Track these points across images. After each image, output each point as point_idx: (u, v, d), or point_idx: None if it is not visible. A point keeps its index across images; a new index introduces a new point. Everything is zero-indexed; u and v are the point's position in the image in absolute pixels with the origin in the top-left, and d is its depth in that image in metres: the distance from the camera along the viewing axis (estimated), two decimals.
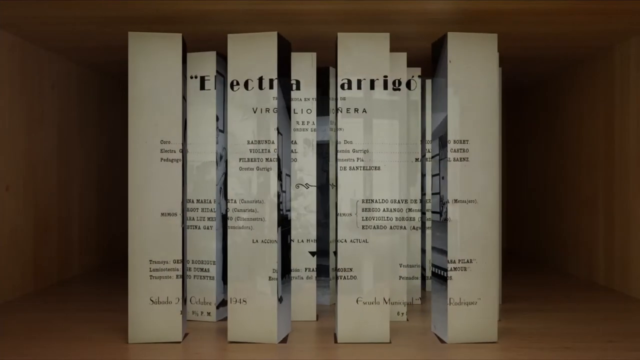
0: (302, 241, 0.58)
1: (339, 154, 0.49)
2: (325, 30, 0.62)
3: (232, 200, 0.49)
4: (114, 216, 0.93)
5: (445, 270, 0.49)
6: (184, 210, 0.50)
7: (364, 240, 0.49)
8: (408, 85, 0.60)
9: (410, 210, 0.63)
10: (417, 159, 0.63)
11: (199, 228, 0.56)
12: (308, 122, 0.58)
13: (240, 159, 0.50)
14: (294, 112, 0.58)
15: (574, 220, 0.83)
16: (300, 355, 0.46)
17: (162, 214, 0.49)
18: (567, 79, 0.85)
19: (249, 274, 0.49)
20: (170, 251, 0.49)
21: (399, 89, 0.56)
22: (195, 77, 0.56)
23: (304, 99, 0.58)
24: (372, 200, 0.50)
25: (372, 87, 0.50)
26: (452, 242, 0.49)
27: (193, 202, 0.56)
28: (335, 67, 0.50)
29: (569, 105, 0.85)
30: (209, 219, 0.56)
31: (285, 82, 0.51)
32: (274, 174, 0.49)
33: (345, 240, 0.49)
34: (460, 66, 0.49)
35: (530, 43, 0.68)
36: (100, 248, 0.89)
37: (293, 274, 0.58)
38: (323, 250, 0.62)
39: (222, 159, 0.57)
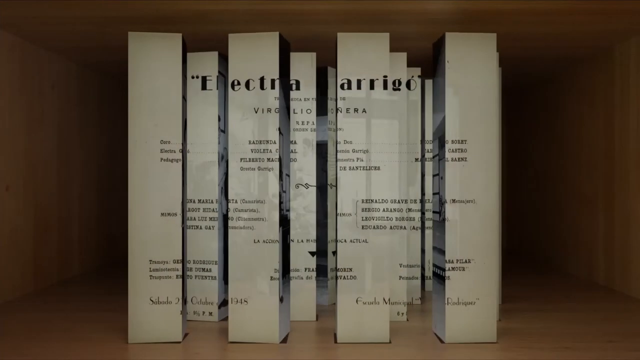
0: (302, 241, 0.58)
1: (338, 154, 0.50)
2: (325, 30, 0.62)
3: (232, 200, 0.50)
4: (114, 216, 0.93)
5: (444, 270, 0.49)
6: (184, 210, 0.50)
7: (363, 240, 0.49)
8: (408, 85, 0.60)
9: (410, 210, 0.63)
10: (417, 159, 0.63)
11: (201, 228, 0.56)
12: (308, 122, 0.58)
13: (241, 159, 0.50)
14: (294, 112, 0.58)
15: (574, 220, 0.83)
16: (300, 355, 0.46)
17: (162, 214, 0.49)
18: (567, 79, 0.85)
19: (250, 274, 0.49)
20: (170, 251, 0.49)
21: (399, 89, 0.56)
22: (197, 77, 0.56)
23: (304, 99, 0.58)
24: (372, 200, 0.50)
25: (372, 87, 0.50)
26: (450, 242, 0.49)
27: (194, 202, 0.56)
28: (335, 67, 0.50)
29: (569, 105, 0.85)
30: (210, 219, 0.56)
31: (285, 83, 0.51)
32: (275, 174, 0.49)
33: (345, 240, 0.49)
34: (459, 66, 0.49)
35: (530, 43, 0.68)
36: (100, 248, 0.89)
37: (293, 274, 0.58)
38: (322, 250, 0.62)
39: (223, 159, 0.57)
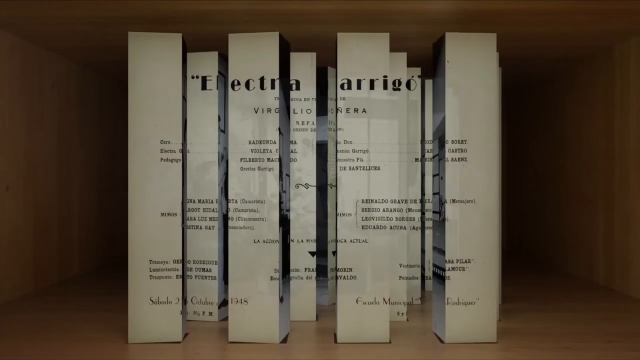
0: (302, 241, 0.58)
1: (338, 154, 0.50)
2: (325, 30, 0.62)
3: (232, 200, 0.49)
4: (114, 216, 0.93)
5: (444, 270, 0.49)
6: (184, 210, 0.50)
7: (363, 240, 0.49)
8: (408, 85, 0.60)
9: (410, 210, 0.63)
10: (417, 159, 0.63)
11: (201, 228, 0.56)
12: (307, 122, 0.58)
13: (241, 159, 0.50)
14: (294, 112, 0.58)
15: (574, 220, 0.83)
16: (300, 355, 0.46)
17: (162, 214, 0.49)
18: (567, 79, 0.85)
19: (250, 274, 0.49)
20: (170, 251, 0.49)
21: (399, 89, 0.56)
22: (197, 77, 0.56)
23: (304, 99, 0.58)
24: (372, 200, 0.50)
25: (372, 87, 0.50)
26: (450, 242, 0.49)
27: (194, 202, 0.56)
28: (334, 67, 0.50)
29: (569, 105, 0.85)
30: (210, 219, 0.56)
31: (285, 83, 0.51)
32: (275, 174, 0.49)
33: (345, 240, 0.49)
34: (459, 66, 0.49)
35: (530, 43, 0.68)
36: (100, 248, 0.89)
37: (293, 274, 0.58)
38: (321, 250, 0.62)
39: (223, 159, 0.57)
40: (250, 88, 0.50)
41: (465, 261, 0.49)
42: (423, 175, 0.67)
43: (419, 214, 0.64)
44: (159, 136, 0.49)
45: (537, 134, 0.98)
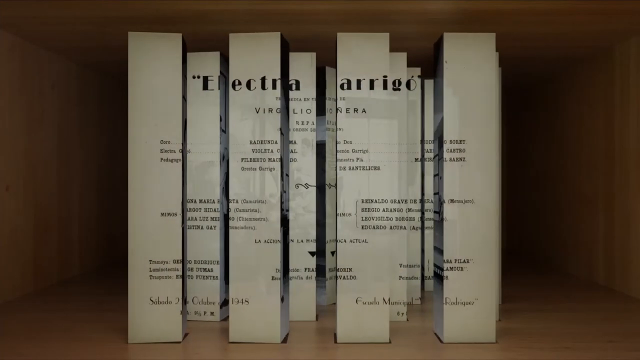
0: (302, 241, 0.58)
1: (338, 154, 0.49)
2: (325, 30, 0.62)
3: (233, 200, 0.49)
4: (114, 216, 0.93)
5: (443, 269, 0.49)
6: (184, 210, 0.50)
7: (363, 240, 0.49)
8: (408, 85, 0.60)
9: (410, 210, 0.63)
10: (416, 159, 0.63)
11: (202, 228, 0.56)
12: (307, 122, 0.58)
13: (242, 159, 0.50)
14: (294, 112, 0.58)
15: (574, 220, 0.83)
16: (300, 355, 0.46)
17: (162, 214, 0.49)
18: (567, 79, 0.85)
19: (251, 274, 0.49)
20: (170, 251, 0.49)
21: (399, 89, 0.56)
22: (198, 77, 0.56)
23: (304, 99, 0.58)
24: (372, 200, 0.50)
25: (371, 87, 0.50)
26: (449, 242, 0.49)
27: (195, 202, 0.56)
28: (334, 66, 0.50)
29: (569, 105, 0.85)
30: (212, 218, 0.56)
31: (285, 83, 0.51)
32: (276, 174, 0.49)
33: (345, 240, 0.49)
34: (457, 66, 0.49)
35: (530, 43, 0.68)
36: (100, 248, 0.89)
37: (293, 274, 0.58)
38: (320, 250, 0.62)
39: (224, 159, 0.57)
40: (252, 88, 0.50)
41: (464, 261, 0.49)
42: (423, 175, 0.67)
43: (418, 214, 0.64)
44: (159, 136, 0.49)
45: (537, 134, 0.98)
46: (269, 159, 0.49)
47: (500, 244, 0.58)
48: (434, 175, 0.54)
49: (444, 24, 0.59)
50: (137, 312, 0.49)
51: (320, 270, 0.63)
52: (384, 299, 0.49)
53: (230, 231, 0.49)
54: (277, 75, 0.49)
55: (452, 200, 0.49)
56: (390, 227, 0.50)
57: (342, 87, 0.50)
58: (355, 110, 0.50)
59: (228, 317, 0.55)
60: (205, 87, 0.56)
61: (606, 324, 0.55)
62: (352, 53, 0.50)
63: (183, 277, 0.50)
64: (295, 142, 0.58)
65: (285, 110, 0.51)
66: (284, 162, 0.51)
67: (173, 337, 0.49)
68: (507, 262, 0.86)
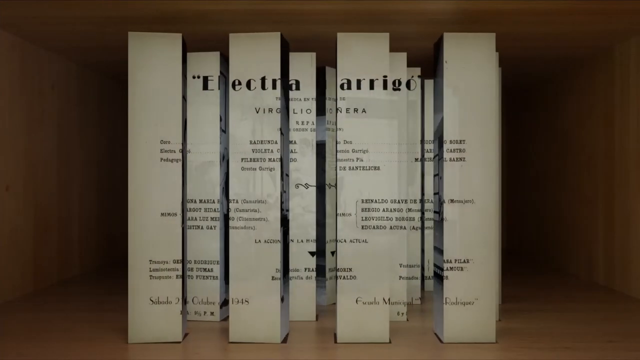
0: (302, 241, 0.58)
1: (338, 154, 0.49)
2: (325, 30, 0.62)
3: (233, 200, 0.49)
4: (114, 216, 0.93)
5: (443, 269, 0.49)
6: (184, 210, 0.50)
7: (363, 240, 0.49)
8: (408, 85, 0.60)
9: (410, 210, 0.63)
10: (417, 159, 0.63)
11: (202, 228, 0.56)
12: (307, 122, 0.58)
13: (242, 159, 0.50)
14: (293, 112, 0.58)
15: (574, 220, 0.83)
16: (300, 355, 0.46)
17: (162, 214, 0.49)
18: (567, 79, 0.85)
19: (251, 274, 0.49)
20: (170, 251, 0.49)
21: (399, 89, 0.56)
22: (198, 77, 0.56)
23: (304, 99, 0.58)
24: (372, 200, 0.50)
25: (371, 87, 0.50)
26: (449, 242, 0.49)
27: (196, 202, 0.56)
28: (334, 66, 0.50)
29: (569, 105, 0.85)
30: (212, 218, 0.56)
31: (285, 83, 0.51)
32: (277, 174, 0.49)
33: (345, 240, 0.49)
34: (457, 66, 0.49)
35: (530, 43, 0.68)
36: (100, 248, 0.89)
37: (293, 274, 0.58)
38: (320, 250, 0.62)
39: (224, 159, 0.57)
40: (252, 88, 0.50)
41: (464, 261, 0.49)
42: (423, 175, 0.67)
43: (418, 214, 0.64)
44: (159, 136, 0.49)
45: (537, 134, 0.98)
46: (269, 159, 0.49)
47: (500, 244, 0.58)
48: (434, 175, 0.54)
49: (444, 24, 0.59)
50: (137, 312, 0.49)
51: (320, 270, 0.63)
52: (384, 299, 0.49)
53: (230, 231, 0.49)
54: (277, 75, 0.49)
55: (452, 200, 0.49)
56: (390, 227, 0.50)
57: (342, 87, 0.50)
58: (355, 110, 0.50)
59: (228, 317, 0.55)
60: (205, 87, 0.56)
61: (606, 324, 0.55)
62: (352, 53, 0.50)
63: (183, 277, 0.50)
64: (295, 142, 0.58)
65: (285, 110, 0.51)
66: (284, 162, 0.51)
67: (173, 337, 0.49)
68: (507, 262, 0.86)
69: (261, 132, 0.49)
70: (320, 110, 0.62)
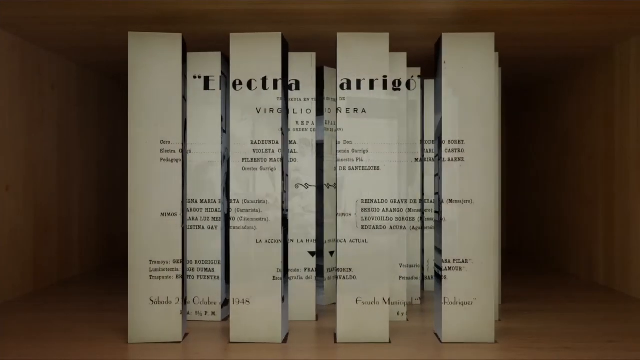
0: (301, 241, 0.58)
1: (338, 154, 0.50)
2: (325, 30, 0.62)
3: (234, 200, 0.49)
4: (114, 216, 0.93)
5: (441, 269, 0.49)
6: (184, 210, 0.50)
7: (363, 240, 0.49)
8: (408, 85, 0.60)
9: (409, 210, 0.63)
10: (417, 159, 0.63)
11: (203, 228, 0.56)
12: (307, 122, 0.58)
13: (243, 159, 0.50)
14: (293, 112, 0.58)
15: (574, 220, 0.83)
16: (300, 355, 0.46)
17: (162, 214, 0.49)
18: (567, 79, 0.85)
19: (252, 274, 0.49)
20: (170, 251, 0.49)
21: (399, 89, 0.56)
22: (199, 77, 0.56)
23: (304, 99, 0.58)
24: (372, 200, 0.50)
25: (371, 87, 0.50)
26: (447, 242, 0.49)
27: (197, 202, 0.56)
28: (334, 66, 0.50)
29: (569, 105, 0.85)
30: (213, 218, 0.56)
31: (285, 83, 0.51)
32: (278, 174, 0.49)
33: (345, 240, 0.49)
34: (456, 66, 0.49)
35: (530, 43, 0.68)
36: (100, 248, 0.89)
37: (292, 274, 0.58)
38: (318, 250, 0.62)
39: (225, 159, 0.57)
40: (252, 88, 0.50)
41: (463, 261, 0.49)
42: (423, 176, 0.67)
43: (418, 214, 0.64)
44: (159, 136, 0.49)
45: (537, 134, 0.98)
46: (270, 159, 0.49)
47: (500, 244, 0.58)
48: (435, 175, 0.54)
49: (443, 24, 0.59)
50: (137, 312, 0.49)
51: (319, 270, 0.63)
52: (384, 299, 0.49)
53: (231, 231, 0.49)
54: (279, 75, 0.49)
55: (451, 200, 0.49)
56: (390, 227, 0.50)
57: (342, 87, 0.50)
58: (355, 110, 0.50)
59: (229, 317, 0.55)
60: (206, 87, 0.56)
61: (606, 324, 0.55)
62: (352, 53, 0.50)
63: (183, 277, 0.50)
64: (295, 142, 0.58)
65: (285, 110, 0.51)
66: (284, 162, 0.51)
67: (173, 337, 0.49)
68: (507, 262, 0.86)
69: (262, 132, 0.49)
70: (319, 110, 0.62)
